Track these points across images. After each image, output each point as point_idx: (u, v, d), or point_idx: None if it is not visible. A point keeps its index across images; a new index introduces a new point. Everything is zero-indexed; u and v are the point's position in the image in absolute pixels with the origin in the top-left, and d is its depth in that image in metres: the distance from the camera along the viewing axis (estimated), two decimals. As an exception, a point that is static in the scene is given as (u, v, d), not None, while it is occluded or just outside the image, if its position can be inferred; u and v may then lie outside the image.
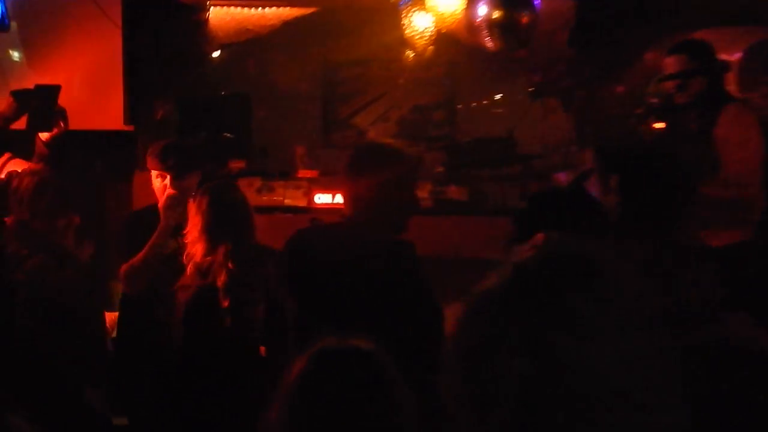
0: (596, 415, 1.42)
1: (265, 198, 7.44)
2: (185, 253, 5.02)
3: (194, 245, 4.98)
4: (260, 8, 8.24)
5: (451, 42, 8.04)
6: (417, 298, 3.91)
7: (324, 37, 8.66)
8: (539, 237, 1.55)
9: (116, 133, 7.61)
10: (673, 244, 3.39)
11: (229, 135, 7.47)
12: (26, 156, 5.72)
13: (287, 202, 7.52)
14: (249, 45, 8.46)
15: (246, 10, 8.22)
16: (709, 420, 1.80)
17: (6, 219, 5.34)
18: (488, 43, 7.44)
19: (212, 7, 8.12)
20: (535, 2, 7.38)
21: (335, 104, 8.87)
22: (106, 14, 7.35)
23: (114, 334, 5.73)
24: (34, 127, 5.63)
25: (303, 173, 7.82)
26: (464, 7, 7.53)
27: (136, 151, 7.47)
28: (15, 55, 7.54)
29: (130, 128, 7.68)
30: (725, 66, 6.19)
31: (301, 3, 8.32)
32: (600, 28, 7.61)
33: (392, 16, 7.91)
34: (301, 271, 4.08)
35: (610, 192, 3.53)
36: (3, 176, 5.64)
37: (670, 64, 5.71)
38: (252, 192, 7.21)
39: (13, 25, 6.97)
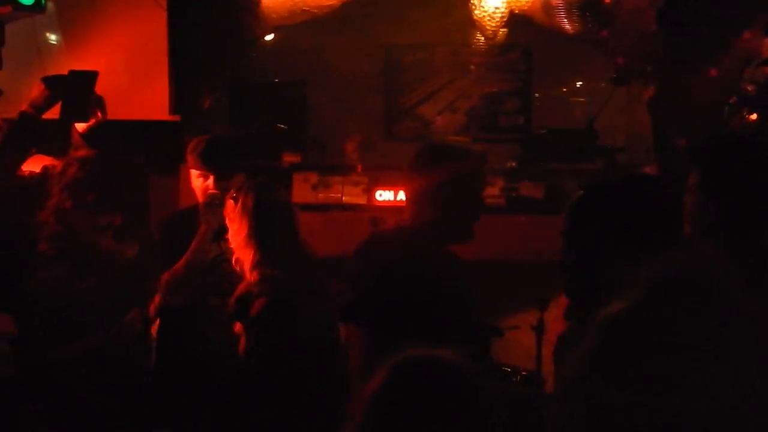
0: None
1: (321, 195, 7.33)
2: (234, 259, 4.77)
3: (243, 251, 4.71)
4: (317, -13, 8.05)
5: (526, 24, 7.80)
6: (459, 318, 3.84)
7: (386, 19, 8.41)
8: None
9: (160, 124, 7.37)
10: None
11: (283, 126, 7.38)
12: (59, 148, 5.36)
13: (345, 199, 7.37)
14: (305, 27, 8.15)
15: (302, -11, 8.03)
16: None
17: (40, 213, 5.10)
18: (566, 24, 7.33)
19: (265, -14, 7.91)
20: (619, -21, 7.22)
21: (398, 92, 8.65)
22: (151, -7, 7.17)
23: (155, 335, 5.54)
24: (68, 117, 5.29)
25: (363, 168, 7.61)
26: (540, -15, 7.38)
27: (181, 143, 7.01)
28: (52, 38, 7.33)
29: (175, 118, 7.45)
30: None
31: (362, -19, 8.18)
32: (691, 5, 7.24)
33: (460, -4, 7.68)
34: (369, 279, 4.00)
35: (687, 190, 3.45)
36: (37, 170, 5.34)
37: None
38: (307, 188, 7.21)
39: (51, 6, 6.67)
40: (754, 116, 5.62)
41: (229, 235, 4.78)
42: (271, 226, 4.70)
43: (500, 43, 7.79)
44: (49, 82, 5.05)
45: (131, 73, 7.13)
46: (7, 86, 5.65)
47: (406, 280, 3.86)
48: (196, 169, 5.30)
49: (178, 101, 7.42)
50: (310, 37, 8.48)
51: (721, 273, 1.75)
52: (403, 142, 7.80)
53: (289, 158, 7.53)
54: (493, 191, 7.23)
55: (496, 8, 7.41)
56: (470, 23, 7.62)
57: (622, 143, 7.71)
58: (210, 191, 5.15)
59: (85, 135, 5.26)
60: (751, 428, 1.67)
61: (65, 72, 5.26)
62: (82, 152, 5.15)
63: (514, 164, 7.60)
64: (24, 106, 5.00)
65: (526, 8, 7.50)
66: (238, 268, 4.73)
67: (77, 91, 5.16)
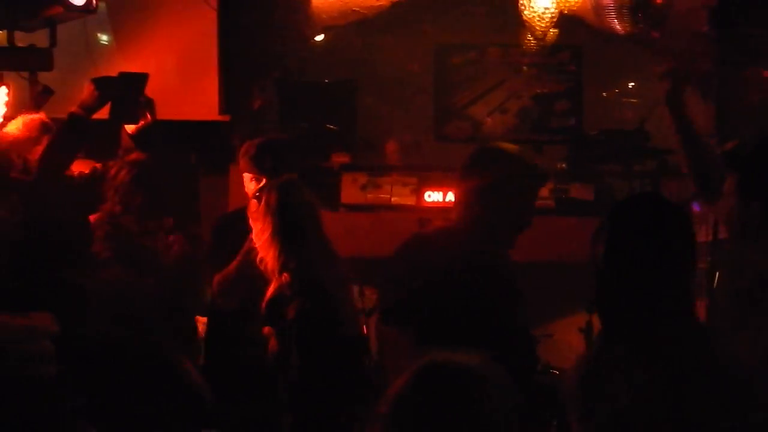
0: None
1: (370, 195, 7.31)
2: (258, 259, 4.79)
3: (267, 250, 4.72)
4: (367, -13, 7.99)
5: (576, 24, 7.71)
6: (506, 322, 3.86)
7: (436, 19, 8.39)
8: None
9: (211, 124, 7.41)
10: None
11: (332, 126, 7.33)
12: (108, 149, 5.43)
13: (394, 200, 7.33)
14: (355, 27, 8.15)
15: (352, -12, 7.98)
16: None
17: (91, 216, 5.20)
18: (617, 25, 7.24)
19: (315, -13, 7.88)
20: (671, -21, 7.11)
21: (447, 93, 8.46)
22: (201, -6, 7.14)
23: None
24: (117, 119, 5.30)
25: (412, 168, 7.60)
26: (591, -15, 7.26)
27: (231, 143, 7.20)
28: (103, 38, 7.43)
29: (225, 118, 7.47)
30: None
31: (412, -18, 8.08)
32: (742, 6, 7.10)
33: (511, -4, 7.60)
34: (411, 281, 3.97)
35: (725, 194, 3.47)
36: (86, 170, 5.40)
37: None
38: (356, 189, 7.21)
39: (102, 6, 6.68)
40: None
41: (253, 235, 4.77)
42: (296, 225, 4.68)
43: (550, 43, 7.68)
44: (99, 83, 5.07)
45: (182, 73, 7.18)
46: (58, 86, 5.67)
47: (450, 282, 3.83)
48: (249, 173, 5.30)
49: (228, 101, 7.41)
50: (359, 38, 8.45)
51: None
52: (453, 142, 7.71)
53: (338, 159, 7.51)
54: (542, 193, 7.17)
55: (546, 8, 7.32)
56: (520, 23, 7.54)
57: (673, 145, 7.51)
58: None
59: (135, 136, 5.30)
60: None
61: (116, 72, 5.30)
62: (132, 155, 5.17)
63: (564, 166, 7.55)
64: (74, 107, 5.04)
65: (576, 8, 7.41)
66: (262, 268, 4.72)
67: (126, 92, 5.17)
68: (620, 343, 2.85)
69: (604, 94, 8.49)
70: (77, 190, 5.23)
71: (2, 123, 5.19)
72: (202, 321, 5.65)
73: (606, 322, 2.94)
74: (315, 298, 4.62)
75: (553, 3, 7.34)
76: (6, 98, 5.27)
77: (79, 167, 5.22)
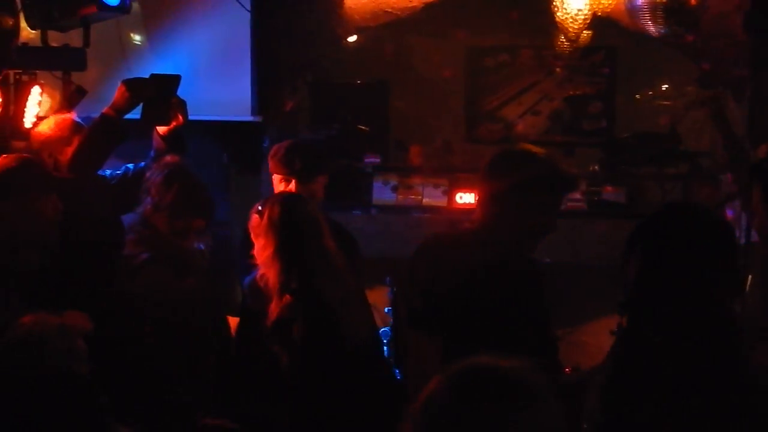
0: None
1: (401, 197, 7.41)
2: (259, 275, 4.58)
3: (268, 268, 4.52)
4: (400, -12, 7.98)
5: (610, 26, 7.62)
6: (529, 325, 3.78)
7: (468, 21, 8.27)
8: None
9: (243, 124, 7.41)
10: None
11: (364, 127, 7.32)
12: (140, 150, 5.46)
13: (426, 201, 7.41)
14: (387, 28, 8.08)
15: (384, -10, 7.96)
16: None
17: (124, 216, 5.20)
18: (651, 27, 7.15)
19: (348, -12, 7.87)
20: (705, -19, 7.04)
21: (479, 94, 8.48)
22: (235, -5, 7.15)
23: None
24: (148, 120, 5.29)
25: (443, 170, 7.69)
26: (624, -14, 7.20)
27: (264, 143, 7.32)
28: (137, 38, 7.32)
29: (258, 119, 7.47)
30: None
31: (445, -17, 8.06)
32: None
33: (543, -3, 7.59)
34: (436, 284, 3.93)
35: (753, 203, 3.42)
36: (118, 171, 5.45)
37: None
38: (387, 190, 7.29)
39: (135, 6, 6.64)
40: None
41: (255, 251, 4.59)
42: (299, 244, 4.52)
43: (583, 45, 7.63)
44: (130, 84, 5.06)
45: (214, 73, 7.12)
46: (91, 87, 5.67)
47: (473, 287, 3.79)
48: (278, 174, 5.29)
49: (260, 102, 7.43)
50: (392, 39, 8.39)
51: None
52: (485, 144, 7.71)
53: (370, 160, 7.51)
54: (574, 195, 7.17)
55: (579, 10, 7.22)
56: (553, 25, 7.46)
57: (706, 148, 7.54)
58: None
59: (166, 137, 5.30)
60: None
61: (149, 73, 5.30)
62: (166, 158, 5.18)
63: (596, 168, 7.55)
64: (106, 108, 5.04)
65: (609, 10, 7.33)
66: (262, 284, 4.55)
67: (158, 93, 5.17)
68: (646, 356, 2.83)
69: (636, 96, 8.40)
70: (110, 190, 5.27)
71: (35, 122, 5.21)
72: (234, 321, 5.51)
73: (636, 334, 2.91)
74: (319, 319, 4.48)
75: (586, 4, 7.26)
76: (39, 98, 5.28)
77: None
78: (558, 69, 8.28)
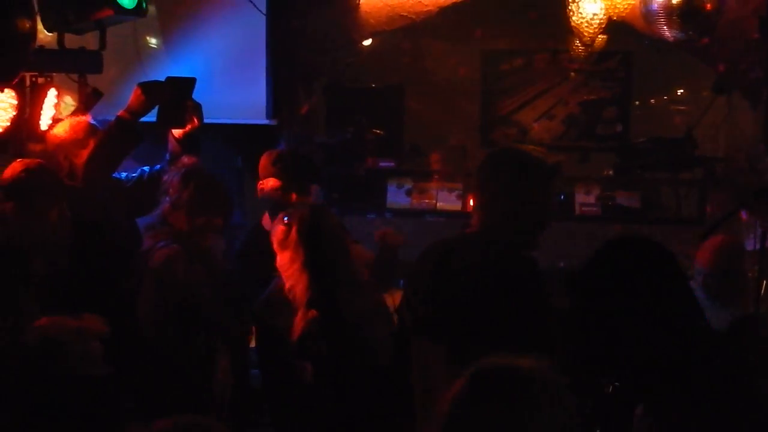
0: None
1: (415, 201, 7.38)
2: (287, 288, 4.51)
3: (296, 280, 4.46)
4: (416, -7, 7.95)
5: (625, 30, 7.62)
6: (528, 321, 3.76)
7: (483, 25, 8.31)
8: None
9: (258, 127, 7.35)
10: None
11: (379, 131, 7.30)
12: (156, 153, 5.46)
13: (440, 205, 7.38)
14: (402, 33, 8.10)
15: (400, -6, 7.95)
16: None
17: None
18: (666, 31, 7.05)
19: (363, -8, 7.87)
20: (721, -14, 6.99)
21: (495, 99, 8.52)
22: (251, -1, 7.15)
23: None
24: (164, 123, 5.29)
25: (458, 174, 7.60)
26: (640, -9, 7.17)
27: (279, 146, 7.17)
28: (153, 41, 7.27)
29: (273, 122, 7.41)
30: None
31: (460, -12, 8.07)
32: None
33: (558, 2, 7.46)
34: (440, 291, 3.91)
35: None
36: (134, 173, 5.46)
37: None
38: (402, 194, 7.27)
39: (152, 9, 6.64)
40: None
41: (279, 263, 4.54)
42: (327, 258, 4.48)
43: (599, 50, 7.67)
44: (146, 87, 5.07)
45: (230, 77, 7.10)
46: (107, 89, 5.68)
47: (477, 288, 3.79)
48: (271, 177, 5.45)
49: (275, 105, 7.39)
50: (407, 43, 8.44)
51: None
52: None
53: (384, 163, 7.51)
54: (588, 200, 7.17)
55: (595, 14, 7.26)
56: (568, 30, 7.48)
57: (722, 153, 7.58)
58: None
59: (182, 140, 5.30)
60: None
61: (165, 76, 5.31)
62: (182, 160, 5.18)
63: (610, 173, 7.54)
64: (122, 111, 5.05)
65: (625, 15, 7.35)
66: (290, 297, 4.50)
67: (174, 97, 5.18)
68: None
69: (652, 101, 8.42)
70: (125, 192, 5.28)
71: (51, 125, 5.22)
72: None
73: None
74: (344, 334, 4.46)
75: (601, 9, 7.29)
76: (55, 100, 5.28)
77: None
78: (573, 73, 8.27)
